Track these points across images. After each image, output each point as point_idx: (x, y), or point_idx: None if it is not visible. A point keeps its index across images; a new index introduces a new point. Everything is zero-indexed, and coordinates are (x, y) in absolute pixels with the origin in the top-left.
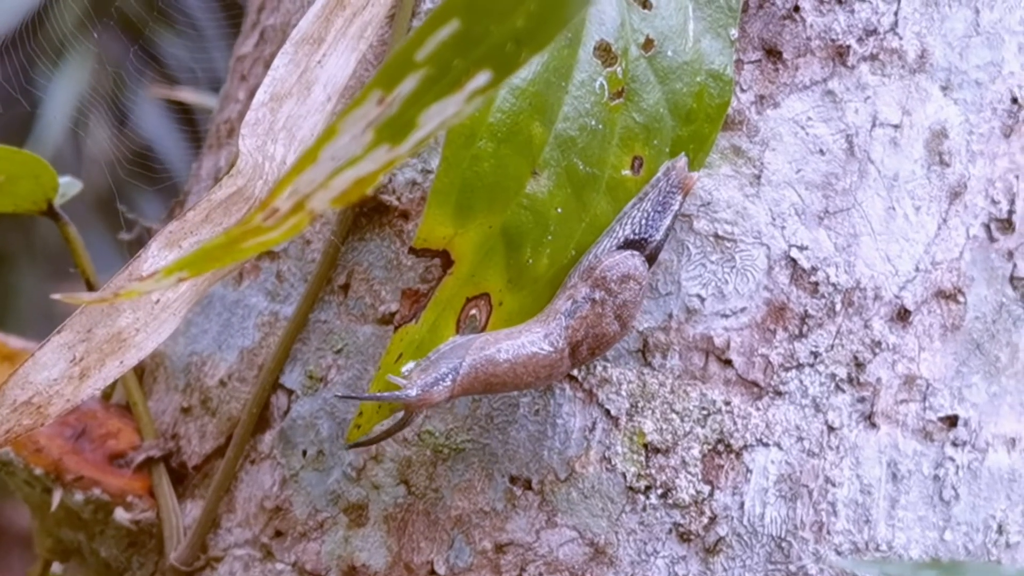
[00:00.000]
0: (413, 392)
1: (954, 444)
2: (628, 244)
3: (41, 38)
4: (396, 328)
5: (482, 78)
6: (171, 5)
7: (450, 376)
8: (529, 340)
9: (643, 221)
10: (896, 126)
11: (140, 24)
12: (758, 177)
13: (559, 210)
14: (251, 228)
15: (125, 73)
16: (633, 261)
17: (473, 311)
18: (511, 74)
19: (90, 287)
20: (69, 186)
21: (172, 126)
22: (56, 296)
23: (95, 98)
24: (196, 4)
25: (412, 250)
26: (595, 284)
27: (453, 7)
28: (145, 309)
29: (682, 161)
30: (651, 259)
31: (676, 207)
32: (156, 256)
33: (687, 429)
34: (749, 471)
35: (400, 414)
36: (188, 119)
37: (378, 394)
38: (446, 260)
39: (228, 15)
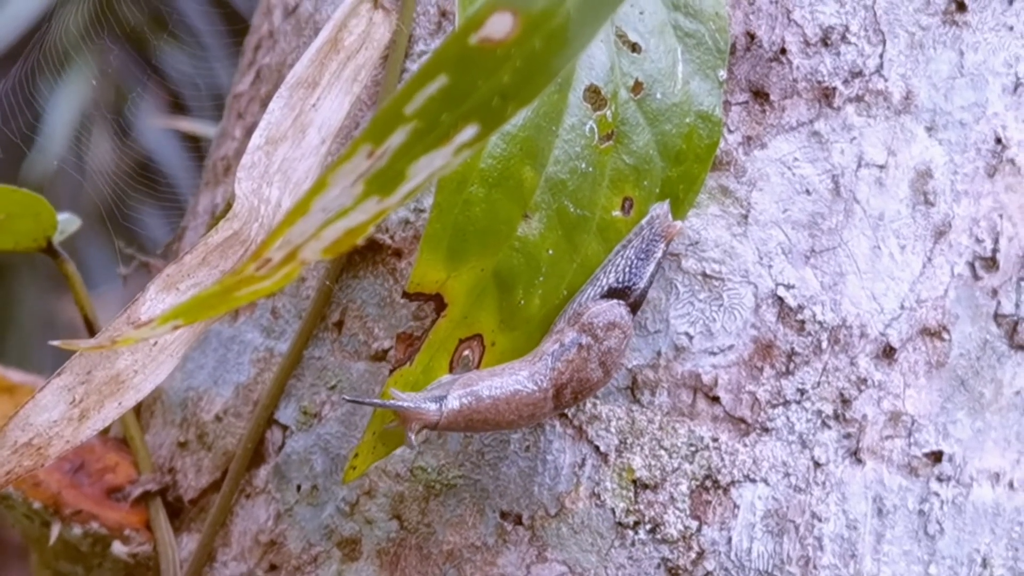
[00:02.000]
0: (411, 403)
1: (939, 479)
2: (612, 292)
3: (43, 51)
4: (391, 371)
5: (469, 132)
6: (174, 18)
7: (436, 405)
8: (514, 379)
9: (627, 269)
10: (881, 166)
11: (143, 37)
12: (745, 217)
13: (550, 252)
14: (244, 277)
15: (127, 86)
16: (619, 310)
17: (466, 352)
18: (498, 128)
19: (88, 323)
20: (68, 223)
21: (173, 140)
22: (55, 343)
23: (97, 111)
24: (199, 19)
25: (406, 294)
26: (582, 329)
27: (441, 63)
28: (143, 351)
29: (664, 209)
30: (635, 307)
31: (659, 255)
32: (154, 299)
33: (675, 465)
34: (736, 506)
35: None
36: (189, 135)
37: (381, 400)
38: (439, 303)
39: (230, 28)
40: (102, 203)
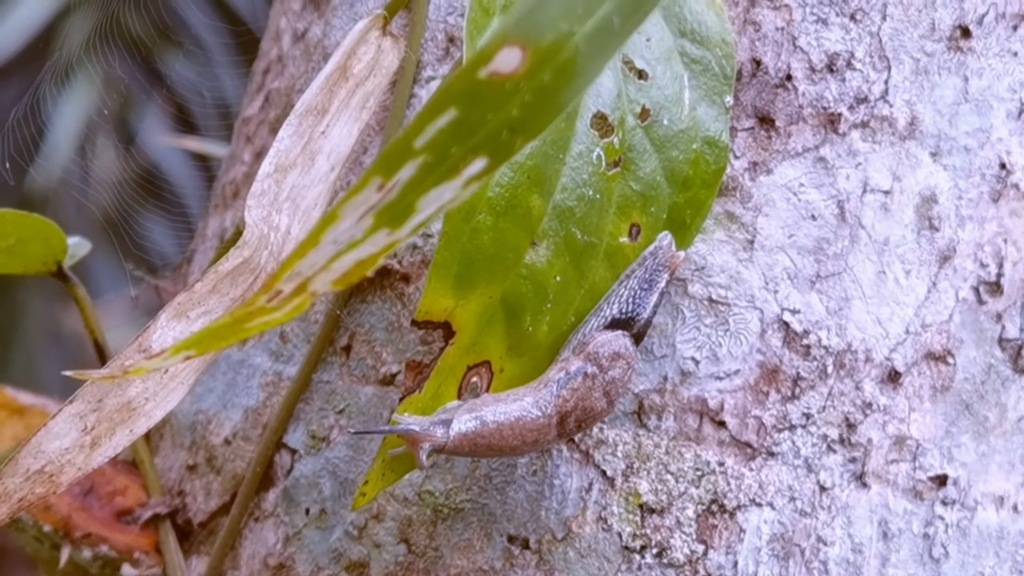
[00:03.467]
0: (418, 427)
1: (944, 503)
2: (616, 323)
3: (48, 60)
4: (401, 399)
5: (478, 165)
6: (179, 27)
7: (443, 429)
8: (518, 405)
9: (630, 299)
10: (887, 192)
11: (149, 49)
12: (751, 242)
13: (558, 278)
14: (255, 309)
15: (133, 98)
16: (624, 341)
17: (474, 379)
18: (506, 160)
19: (99, 348)
20: (78, 247)
21: (179, 150)
22: (68, 373)
23: (103, 117)
24: (204, 28)
25: (414, 323)
26: (587, 359)
27: (450, 96)
28: (154, 379)
29: (668, 239)
30: (638, 337)
31: (663, 284)
32: (165, 327)
33: (682, 489)
34: (743, 531)
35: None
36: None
37: (388, 427)
38: (447, 331)
39: (235, 36)
40: (105, 215)
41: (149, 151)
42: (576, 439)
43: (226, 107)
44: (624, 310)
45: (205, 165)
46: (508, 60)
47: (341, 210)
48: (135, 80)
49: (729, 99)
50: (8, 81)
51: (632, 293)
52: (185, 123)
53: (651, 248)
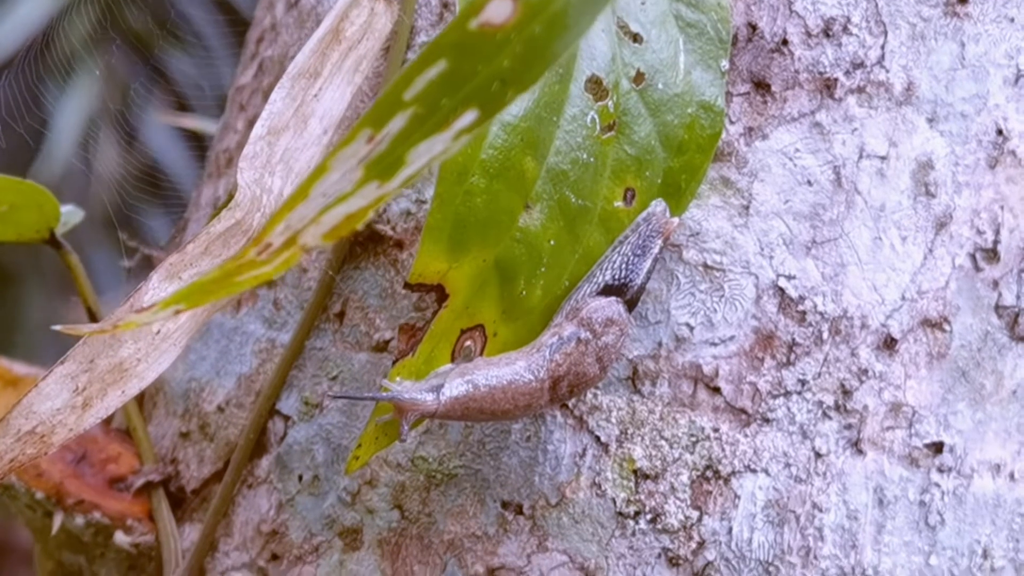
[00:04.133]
0: (406, 394)
1: (940, 470)
2: (609, 289)
3: (49, 57)
4: (394, 362)
5: (469, 117)
6: (179, 23)
7: (433, 394)
8: (511, 369)
9: (624, 265)
10: (883, 157)
11: (148, 42)
12: (747, 208)
13: (552, 242)
14: (245, 262)
15: (133, 91)
16: (617, 307)
17: (468, 342)
18: (497, 113)
19: (91, 314)
20: (71, 215)
21: (179, 143)
22: (57, 328)
23: (103, 116)
24: (204, 22)
25: (407, 285)
26: (581, 324)
27: (441, 48)
28: (146, 340)
29: (662, 206)
30: (631, 304)
31: (656, 251)
32: (156, 288)
33: (676, 455)
34: (737, 497)
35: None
36: (195, 137)
37: (373, 393)
38: (441, 294)
39: (235, 33)
40: (108, 205)
41: (150, 142)
42: (570, 405)
43: (224, 98)
44: (617, 276)
45: (204, 157)
46: (499, 11)
47: (331, 162)
48: (134, 71)
49: (725, 63)
50: (9, 76)
51: (625, 259)
52: (184, 111)
53: (644, 214)
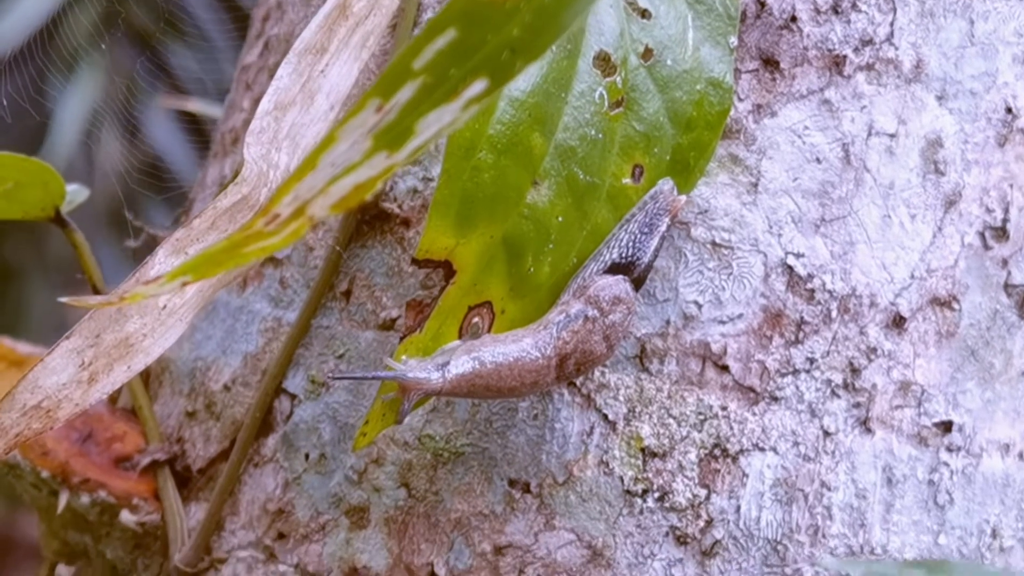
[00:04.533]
0: (409, 373)
1: (949, 449)
2: (615, 267)
3: (52, 49)
4: (402, 338)
5: (478, 86)
6: (181, 16)
7: (438, 372)
8: (518, 346)
9: (630, 243)
10: (892, 135)
11: (150, 35)
12: (755, 185)
13: (560, 219)
14: (253, 233)
15: (136, 84)
16: (624, 286)
17: (475, 319)
18: (507, 82)
19: (96, 293)
20: (76, 193)
21: (182, 136)
22: (63, 299)
23: (106, 109)
24: (205, 15)
25: (414, 261)
26: (588, 302)
27: (450, 17)
28: (152, 315)
29: (669, 185)
30: (638, 282)
31: (663, 229)
32: (163, 263)
33: (684, 434)
34: (745, 475)
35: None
36: (197, 129)
37: (376, 372)
38: (448, 270)
39: (237, 25)
40: (117, 184)
41: (153, 136)
42: (577, 383)
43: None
44: (624, 254)
45: (206, 156)
46: None
47: (339, 132)
48: (137, 66)
49: (733, 40)
50: (13, 71)
51: (632, 237)
52: (189, 117)
53: (651, 192)
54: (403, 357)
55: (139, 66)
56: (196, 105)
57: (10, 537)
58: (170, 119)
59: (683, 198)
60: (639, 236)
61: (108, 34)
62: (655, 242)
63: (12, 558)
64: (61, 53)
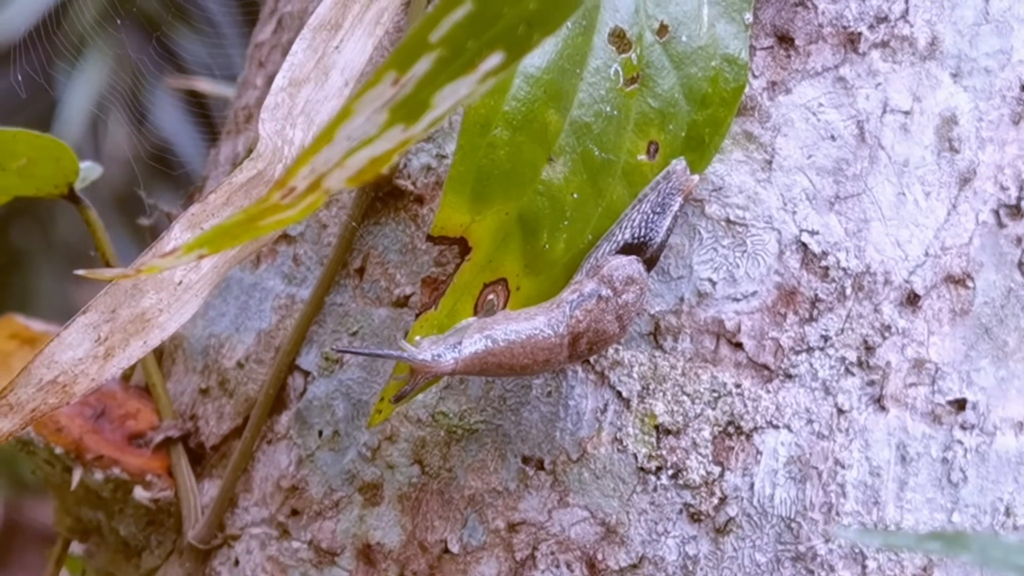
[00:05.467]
0: (419, 355)
1: (962, 427)
2: (628, 247)
3: (60, 35)
4: (417, 315)
5: (495, 59)
6: (189, 1)
7: (451, 352)
8: (531, 323)
9: (643, 224)
10: (906, 112)
11: (158, 20)
12: (770, 162)
13: (575, 196)
14: (269, 206)
15: (143, 69)
16: (637, 266)
17: (491, 296)
18: (524, 55)
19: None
20: (90, 170)
21: (190, 121)
22: (80, 272)
23: (114, 94)
24: (213, 1)
25: (429, 237)
26: (602, 281)
27: None
28: (168, 290)
29: (682, 165)
30: (651, 263)
31: (676, 209)
32: (178, 238)
33: (698, 411)
34: (759, 453)
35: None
36: (206, 114)
37: (384, 350)
38: (463, 247)
39: (245, 11)
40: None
41: (160, 125)
42: (591, 360)
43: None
44: (636, 235)
45: (215, 142)
46: None
47: (356, 105)
48: (144, 54)
49: (748, 16)
50: (22, 55)
51: (645, 218)
52: (197, 103)
53: (664, 172)
54: (416, 338)
55: (148, 51)
56: (204, 84)
57: (16, 522)
58: (178, 103)
59: (695, 178)
60: (651, 216)
61: (116, 19)
62: (667, 222)
63: (18, 542)
64: (69, 38)
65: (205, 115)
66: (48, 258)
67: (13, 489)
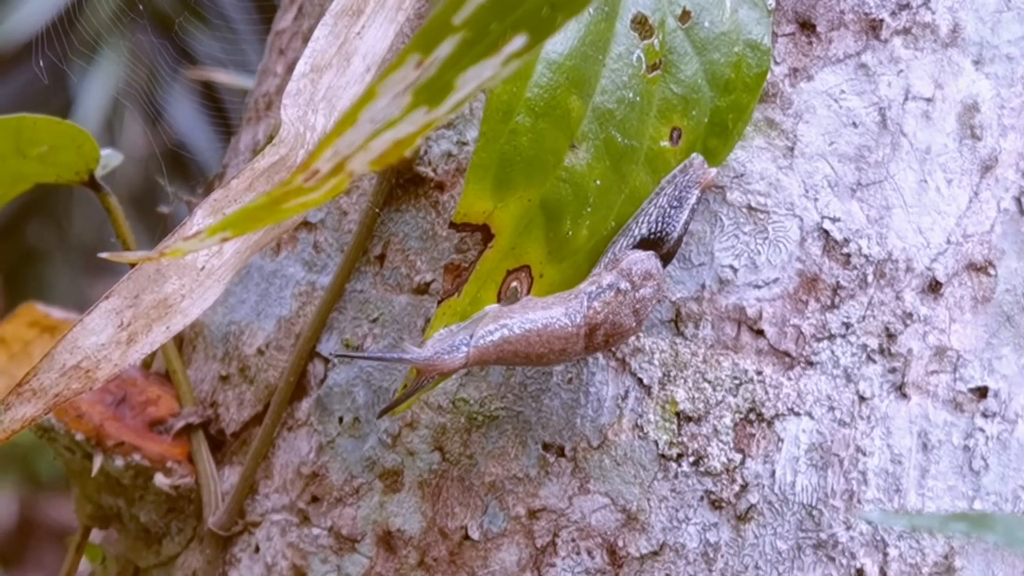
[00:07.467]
0: (422, 355)
1: (984, 415)
2: (645, 242)
3: (75, 34)
4: (440, 302)
5: (518, 41)
6: (205, 3)
7: (464, 344)
8: (548, 313)
9: (660, 218)
10: (928, 99)
11: (173, 18)
12: (791, 149)
13: (598, 182)
14: (292, 189)
15: (158, 67)
16: (654, 262)
17: (514, 283)
18: (547, 38)
19: None
20: (110, 158)
21: (205, 120)
22: (104, 255)
23: (129, 91)
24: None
25: (452, 224)
26: (620, 274)
27: None
28: (190, 276)
29: (699, 159)
30: (667, 258)
31: (693, 202)
32: (201, 223)
33: (719, 398)
34: (780, 440)
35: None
36: (220, 112)
37: (382, 353)
38: (486, 234)
39: (259, 9)
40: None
41: (175, 123)
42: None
43: (249, 76)
44: (654, 229)
45: (229, 140)
46: None
47: (379, 87)
48: (160, 53)
49: (771, 2)
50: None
51: (662, 212)
52: (211, 98)
53: (681, 165)
54: (405, 344)
55: (162, 49)
56: (222, 76)
57: (31, 519)
58: (193, 102)
59: (713, 171)
60: (668, 210)
61: (131, 17)
62: (685, 216)
63: (34, 539)
64: (83, 37)
65: (220, 111)
66: (64, 255)
67: (28, 486)
